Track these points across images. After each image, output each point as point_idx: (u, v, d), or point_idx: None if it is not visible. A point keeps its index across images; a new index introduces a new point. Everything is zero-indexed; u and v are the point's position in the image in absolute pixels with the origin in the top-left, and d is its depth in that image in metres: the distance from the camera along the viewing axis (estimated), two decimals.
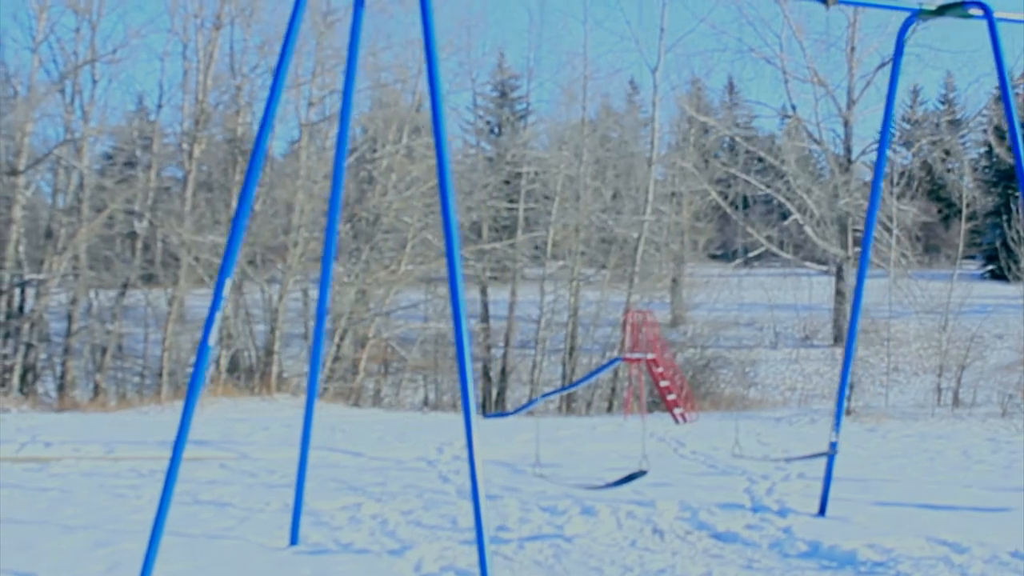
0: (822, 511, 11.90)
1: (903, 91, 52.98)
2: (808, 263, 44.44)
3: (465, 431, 8.07)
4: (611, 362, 31.69)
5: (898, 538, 10.58)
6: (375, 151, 40.48)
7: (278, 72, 9.09)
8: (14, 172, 36.47)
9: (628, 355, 30.73)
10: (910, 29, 11.42)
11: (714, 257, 53.24)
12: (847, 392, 34.78)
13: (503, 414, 32.92)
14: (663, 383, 29.64)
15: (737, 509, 12.12)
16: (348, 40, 10.23)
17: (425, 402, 42.55)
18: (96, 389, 37.36)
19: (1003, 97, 10.04)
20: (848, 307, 39.17)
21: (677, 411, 29.44)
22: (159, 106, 40.50)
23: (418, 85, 39.37)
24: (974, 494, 13.27)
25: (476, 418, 8.14)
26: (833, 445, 12.09)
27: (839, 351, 40.28)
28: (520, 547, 10.54)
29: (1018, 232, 38.24)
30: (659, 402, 31.04)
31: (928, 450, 17.81)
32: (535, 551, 10.39)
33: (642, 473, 11.12)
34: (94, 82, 38.19)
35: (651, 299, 42.95)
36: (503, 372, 43.05)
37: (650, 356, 29.95)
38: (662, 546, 10.70)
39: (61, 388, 37.87)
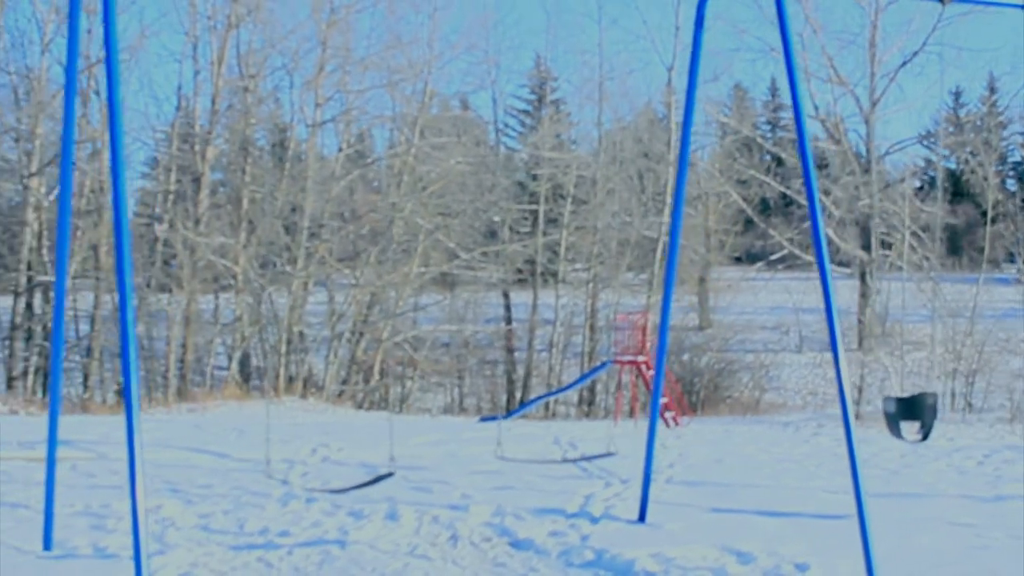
0: (641, 518, 11.25)
1: (944, 91, 51.90)
2: (833, 266, 43.17)
3: (127, 430, 7.76)
4: (602, 365, 31.06)
5: (690, 547, 9.91)
6: (375, 152, 40.35)
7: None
8: (27, 175, 36.86)
9: (619, 358, 30.16)
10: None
11: (739, 260, 52.09)
12: (856, 396, 33.99)
13: (494, 418, 32.36)
14: None
15: (553, 515, 11.49)
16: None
17: (451, 406, 42.18)
18: (118, 392, 37.65)
19: (790, 81, 9.32)
20: (869, 310, 38.25)
21: (668, 415, 28.75)
22: (177, 108, 40.71)
23: (428, 85, 39.13)
24: (835, 500, 12.42)
25: (138, 415, 7.74)
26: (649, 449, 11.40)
27: (863, 355, 39.17)
28: (289, 552, 10.04)
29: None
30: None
31: (835, 454, 16.84)
32: (302, 558, 9.88)
33: (389, 475, 10.70)
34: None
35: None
36: (526, 375, 42.58)
37: (641, 359, 29.35)
38: (447, 554, 10.12)
39: (85, 391, 38.24)
